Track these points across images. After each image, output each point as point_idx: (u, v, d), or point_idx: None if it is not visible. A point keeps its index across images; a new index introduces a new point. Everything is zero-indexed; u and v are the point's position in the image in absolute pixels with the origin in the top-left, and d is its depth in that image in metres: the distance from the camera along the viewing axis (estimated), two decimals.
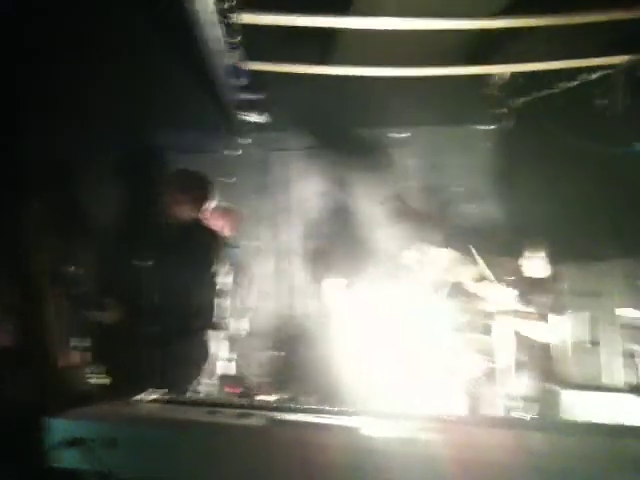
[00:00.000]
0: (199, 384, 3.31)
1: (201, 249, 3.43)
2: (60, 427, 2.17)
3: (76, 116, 4.69)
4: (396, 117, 5.51)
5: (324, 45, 4.34)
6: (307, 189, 5.67)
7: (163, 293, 3.38)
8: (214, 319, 3.44)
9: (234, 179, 5.57)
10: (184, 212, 3.58)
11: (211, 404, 2.42)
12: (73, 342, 4.66)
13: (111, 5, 3.53)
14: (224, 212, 4.63)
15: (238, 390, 4.75)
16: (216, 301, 3.43)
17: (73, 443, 2.10)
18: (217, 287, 3.45)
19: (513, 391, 3.61)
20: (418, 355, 4.05)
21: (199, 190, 3.66)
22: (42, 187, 4.80)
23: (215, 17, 3.24)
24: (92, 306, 3.35)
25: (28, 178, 4.64)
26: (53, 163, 4.75)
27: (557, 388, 3.70)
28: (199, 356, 3.35)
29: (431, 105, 5.05)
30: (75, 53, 3.91)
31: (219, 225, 4.56)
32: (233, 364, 4.70)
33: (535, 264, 4.17)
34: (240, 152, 5.69)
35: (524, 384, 3.75)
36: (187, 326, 3.30)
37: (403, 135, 5.75)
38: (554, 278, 4.06)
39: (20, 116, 4.16)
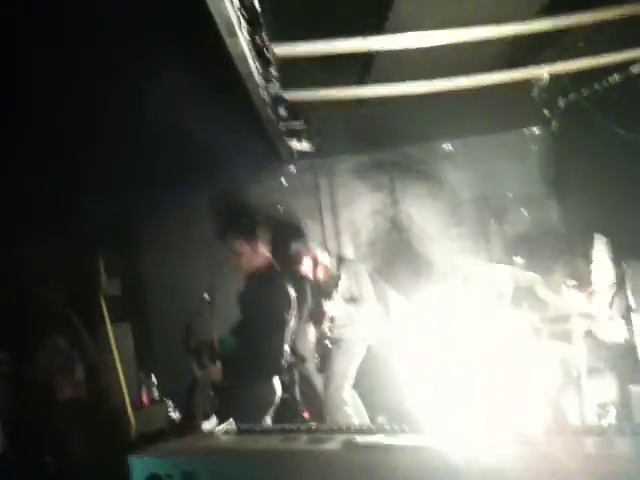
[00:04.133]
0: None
1: (268, 300, 3.42)
2: (141, 465, 2.20)
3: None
4: (443, 130, 5.48)
5: (363, 65, 4.36)
6: (359, 209, 5.67)
7: (236, 338, 3.44)
8: (279, 365, 3.45)
9: (282, 208, 5.64)
10: (255, 261, 3.56)
11: (283, 431, 2.42)
12: (146, 380, 4.84)
13: (156, 45, 3.62)
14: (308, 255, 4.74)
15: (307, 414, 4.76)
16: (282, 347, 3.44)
17: None
18: (284, 334, 3.45)
19: (596, 397, 3.48)
20: (490, 367, 3.95)
21: (264, 238, 3.63)
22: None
23: (250, 51, 3.29)
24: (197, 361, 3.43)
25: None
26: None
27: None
28: (266, 398, 3.36)
29: (478, 114, 4.99)
30: (121, 102, 4.03)
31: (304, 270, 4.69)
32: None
33: (599, 265, 4.04)
34: (287, 180, 5.77)
35: (606, 389, 3.61)
36: (253, 371, 3.33)
37: (451, 147, 5.71)
38: (620, 277, 3.92)
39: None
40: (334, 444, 2.11)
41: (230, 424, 2.55)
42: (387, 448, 2.01)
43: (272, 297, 3.40)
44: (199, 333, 3.61)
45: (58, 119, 3.91)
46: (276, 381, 3.40)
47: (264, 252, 3.55)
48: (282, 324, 3.38)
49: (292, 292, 3.54)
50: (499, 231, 5.28)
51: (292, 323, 3.53)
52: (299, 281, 4.50)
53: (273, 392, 3.38)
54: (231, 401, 3.29)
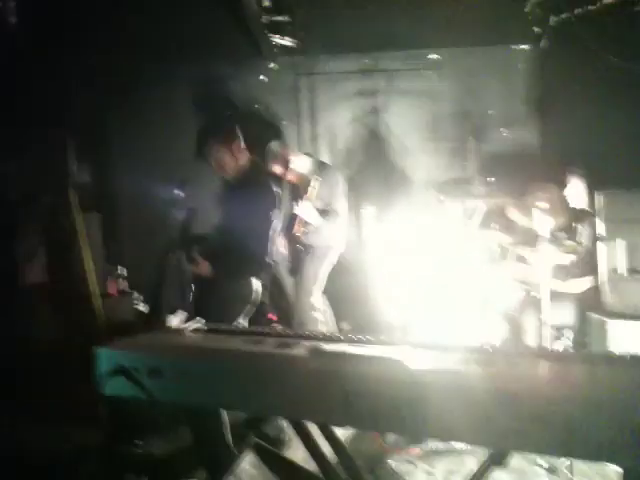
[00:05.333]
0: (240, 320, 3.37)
1: (256, 198, 3.37)
2: (107, 356, 2.22)
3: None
4: (429, 38, 5.31)
5: None
6: (338, 115, 5.56)
7: (219, 236, 3.41)
8: (265, 264, 3.44)
9: (260, 107, 5.50)
10: (234, 164, 3.47)
11: (251, 333, 2.46)
12: (114, 271, 4.84)
13: None
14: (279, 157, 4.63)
15: (275, 317, 4.85)
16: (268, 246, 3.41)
17: (119, 372, 2.16)
18: (270, 234, 3.42)
19: (554, 321, 3.59)
20: (455, 284, 4.04)
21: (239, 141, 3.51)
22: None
23: None
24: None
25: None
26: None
27: (598, 317, 3.70)
28: (245, 296, 3.38)
29: (467, 25, 4.82)
30: None
31: (278, 170, 4.58)
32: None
33: (573, 192, 4.08)
34: (267, 78, 5.60)
35: (565, 313, 3.75)
36: (238, 269, 3.34)
37: (436, 57, 5.55)
38: (592, 206, 3.99)
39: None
40: (301, 349, 2.16)
41: (198, 322, 2.58)
42: (353, 357, 2.06)
43: (259, 196, 3.37)
44: (172, 231, 3.58)
45: None
46: (255, 281, 3.42)
47: (245, 153, 3.48)
48: (268, 223, 3.38)
49: (278, 191, 3.51)
50: (476, 149, 5.25)
51: (277, 223, 3.52)
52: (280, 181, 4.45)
53: (252, 291, 3.41)
54: (210, 297, 3.32)
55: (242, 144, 3.46)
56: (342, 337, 2.38)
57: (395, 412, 1.83)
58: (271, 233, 3.40)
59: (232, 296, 3.30)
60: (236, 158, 3.41)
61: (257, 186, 3.41)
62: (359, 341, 2.30)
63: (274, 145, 4.66)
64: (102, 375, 2.21)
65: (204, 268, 3.29)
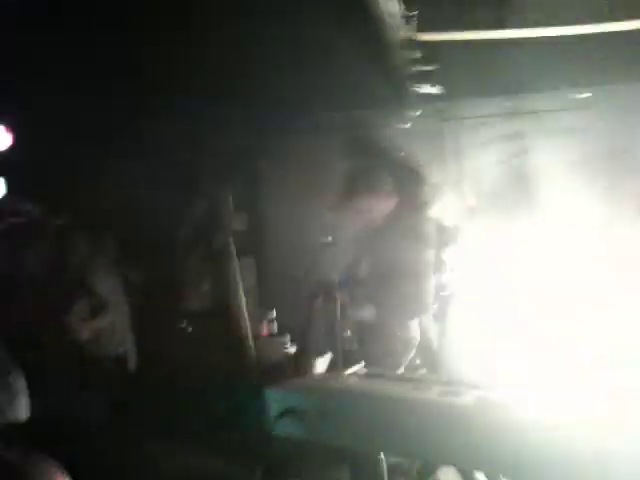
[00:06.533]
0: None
1: (408, 239, 3.42)
2: (277, 398, 2.33)
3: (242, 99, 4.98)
4: (578, 77, 5.16)
5: (501, 7, 4.16)
6: (484, 158, 5.52)
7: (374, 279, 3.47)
8: (427, 304, 3.44)
9: (405, 153, 5.56)
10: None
11: (412, 380, 2.48)
12: (265, 313, 5.06)
13: None
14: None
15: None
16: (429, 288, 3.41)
17: (290, 413, 2.26)
18: (428, 273, 3.43)
19: None
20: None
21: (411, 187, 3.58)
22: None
23: None
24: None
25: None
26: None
27: None
28: (408, 340, 3.40)
29: (620, 61, 4.66)
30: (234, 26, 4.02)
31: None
32: None
33: None
34: (409, 125, 5.68)
35: None
36: (400, 310, 3.37)
37: (587, 95, 5.38)
38: None
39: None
40: (467, 397, 2.14)
41: (359, 367, 2.64)
42: (525, 407, 2.02)
43: (411, 236, 3.42)
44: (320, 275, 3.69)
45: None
46: (415, 325, 3.43)
47: (391, 201, 3.55)
48: (424, 262, 3.41)
49: (432, 233, 3.56)
50: (635, 190, 4.99)
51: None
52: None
53: (415, 335, 3.42)
54: (372, 342, 3.38)
55: (388, 192, 3.54)
56: (505, 387, 2.34)
57: (572, 467, 1.77)
58: (429, 272, 3.41)
59: (396, 341, 3.33)
60: (382, 207, 3.49)
61: (409, 228, 3.47)
62: (523, 390, 2.25)
63: (426, 189, 4.68)
64: (272, 415, 2.32)
65: (368, 313, 3.33)
